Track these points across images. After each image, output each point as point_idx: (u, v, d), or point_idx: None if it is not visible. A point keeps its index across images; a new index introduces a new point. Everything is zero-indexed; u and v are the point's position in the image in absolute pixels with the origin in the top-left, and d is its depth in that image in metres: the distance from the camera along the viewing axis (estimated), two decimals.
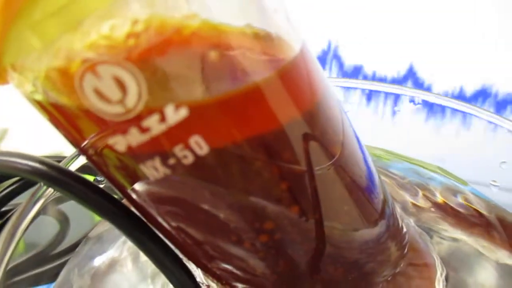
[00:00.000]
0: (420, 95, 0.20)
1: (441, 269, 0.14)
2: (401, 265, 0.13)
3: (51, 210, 0.19)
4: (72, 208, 0.20)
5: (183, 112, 0.08)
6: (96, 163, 0.10)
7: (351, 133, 0.12)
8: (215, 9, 0.08)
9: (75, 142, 0.10)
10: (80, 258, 0.17)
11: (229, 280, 0.13)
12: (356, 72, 0.35)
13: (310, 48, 0.11)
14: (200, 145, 0.09)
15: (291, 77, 0.10)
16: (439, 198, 0.17)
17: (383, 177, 0.19)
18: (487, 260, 0.14)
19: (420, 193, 0.18)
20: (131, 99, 0.08)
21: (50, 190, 0.17)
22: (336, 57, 0.36)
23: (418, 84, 0.32)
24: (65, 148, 0.18)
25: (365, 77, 0.35)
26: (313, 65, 0.11)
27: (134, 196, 0.11)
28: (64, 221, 0.21)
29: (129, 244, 0.17)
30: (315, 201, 0.10)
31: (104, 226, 0.19)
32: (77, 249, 0.18)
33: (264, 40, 0.09)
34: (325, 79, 0.11)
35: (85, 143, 0.10)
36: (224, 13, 0.09)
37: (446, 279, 0.13)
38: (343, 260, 0.12)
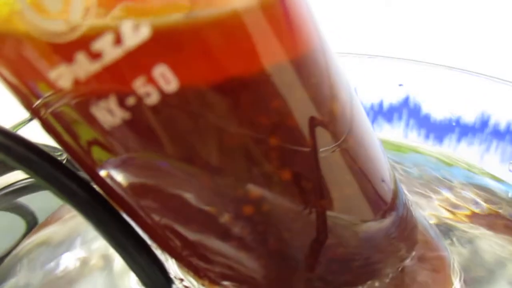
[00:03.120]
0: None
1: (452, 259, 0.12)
2: (413, 255, 0.11)
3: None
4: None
5: (145, 32, 0.07)
6: (46, 124, 0.09)
7: (360, 109, 0.10)
8: None
9: (16, 91, 0.08)
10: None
11: (208, 274, 0.11)
12: None
13: None
14: (166, 77, 0.07)
15: (276, 12, 0.08)
16: (456, 198, 0.16)
17: (399, 172, 0.17)
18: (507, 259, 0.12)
19: (435, 194, 0.16)
20: (75, 10, 0.06)
21: None
22: None
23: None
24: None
25: None
26: (304, 8, 0.09)
27: (95, 168, 0.09)
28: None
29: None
30: (313, 166, 0.09)
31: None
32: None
33: None
34: (322, 32, 0.10)
35: (24, 88, 0.08)
36: None
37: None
38: (346, 247, 0.10)
